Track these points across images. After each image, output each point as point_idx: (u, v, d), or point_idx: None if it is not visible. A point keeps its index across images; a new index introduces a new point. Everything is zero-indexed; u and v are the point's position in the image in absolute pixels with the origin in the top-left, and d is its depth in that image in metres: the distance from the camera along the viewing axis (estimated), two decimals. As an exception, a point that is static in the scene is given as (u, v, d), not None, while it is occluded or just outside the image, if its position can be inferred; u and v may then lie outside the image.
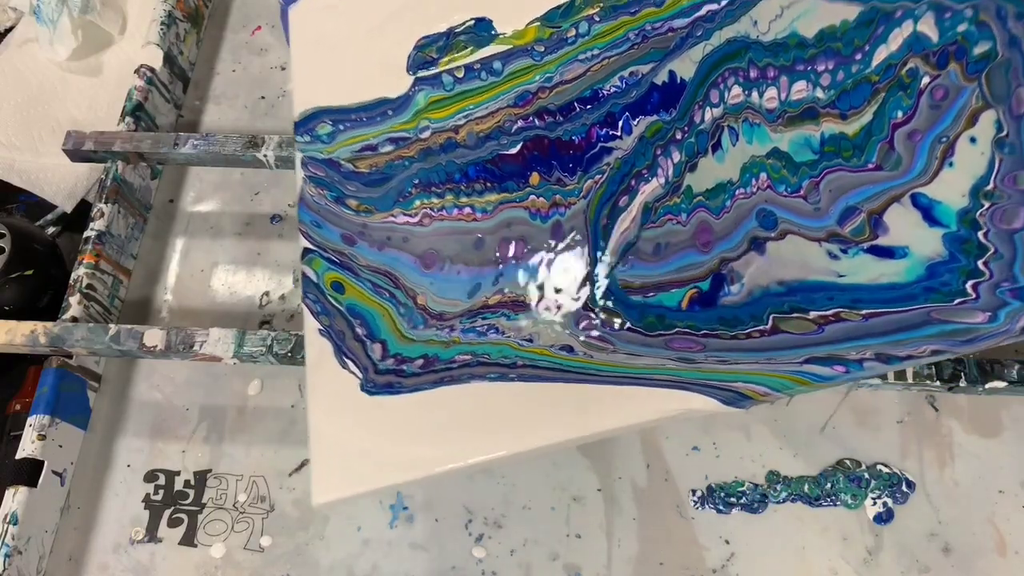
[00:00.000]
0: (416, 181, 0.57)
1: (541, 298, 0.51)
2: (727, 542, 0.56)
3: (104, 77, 0.77)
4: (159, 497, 0.59)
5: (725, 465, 0.58)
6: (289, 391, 0.62)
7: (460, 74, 0.59)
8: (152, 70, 0.70)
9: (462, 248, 0.54)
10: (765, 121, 0.50)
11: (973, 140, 0.44)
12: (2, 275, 0.62)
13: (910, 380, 0.54)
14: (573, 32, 0.58)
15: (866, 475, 0.57)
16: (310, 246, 0.55)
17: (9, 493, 0.55)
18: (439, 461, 0.48)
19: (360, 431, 0.50)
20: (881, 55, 0.48)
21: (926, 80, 0.47)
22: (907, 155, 0.46)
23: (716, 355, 0.46)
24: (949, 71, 0.47)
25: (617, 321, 0.49)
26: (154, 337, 0.57)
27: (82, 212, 0.71)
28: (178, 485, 0.60)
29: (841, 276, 0.45)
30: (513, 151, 0.55)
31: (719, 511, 0.57)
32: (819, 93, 0.49)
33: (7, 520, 0.54)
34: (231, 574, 0.57)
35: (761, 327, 0.46)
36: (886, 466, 0.58)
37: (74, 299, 0.60)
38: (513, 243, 0.53)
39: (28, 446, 0.57)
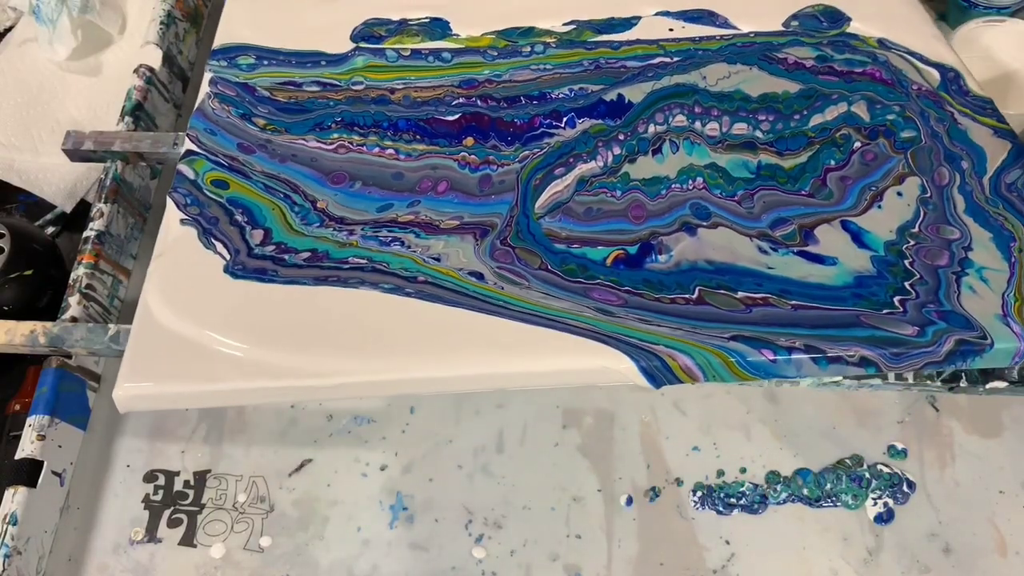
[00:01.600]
0: (339, 119, 0.56)
1: (458, 227, 0.49)
2: (727, 542, 0.56)
3: (104, 77, 0.77)
4: (159, 497, 0.59)
5: (725, 465, 0.58)
6: (289, 391, 0.62)
7: (406, 53, 0.59)
8: (151, 70, 0.69)
9: (378, 176, 0.52)
10: (706, 143, 0.53)
11: (900, 194, 0.50)
12: (1, 275, 0.62)
13: (911, 380, 0.54)
14: (528, 48, 0.60)
15: (867, 475, 0.57)
16: (195, 148, 0.54)
17: (9, 493, 0.55)
18: (295, 373, 0.43)
19: (207, 318, 0.45)
20: (817, 120, 0.54)
21: (858, 144, 0.52)
22: (838, 192, 0.50)
23: (637, 312, 0.45)
24: (879, 143, 0.52)
25: (536, 261, 0.48)
26: (154, 337, 0.57)
27: (81, 212, 0.71)
28: (178, 485, 0.60)
29: (770, 268, 0.47)
30: (450, 118, 0.55)
31: (719, 512, 0.57)
32: (758, 134, 0.53)
33: (7, 520, 0.54)
34: (231, 574, 0.56)
35: (687, 295, 0.46)
36: (886, 466, 0.58)
37: (73, 299, 0.60)
38: (436, 181, 0.51)
39: (28, 446, 0.56)
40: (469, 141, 0.54)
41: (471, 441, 0.60)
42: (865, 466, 0.58)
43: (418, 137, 0.54)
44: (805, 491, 0.57)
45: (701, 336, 0.44)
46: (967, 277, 0.46)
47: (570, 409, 0.61)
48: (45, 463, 0.57)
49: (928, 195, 0.50)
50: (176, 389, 0.44)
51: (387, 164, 0.53)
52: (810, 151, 0.52)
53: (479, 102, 0.56)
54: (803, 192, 0.50)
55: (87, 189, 0.71)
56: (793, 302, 0.45)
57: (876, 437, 0.59)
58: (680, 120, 0.54)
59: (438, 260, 0.48)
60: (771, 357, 0.43)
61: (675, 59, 0.58)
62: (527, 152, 0.53)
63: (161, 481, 0.60)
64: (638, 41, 0.60)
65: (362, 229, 0.49)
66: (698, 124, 0.54)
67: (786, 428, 0.59)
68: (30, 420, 0.58)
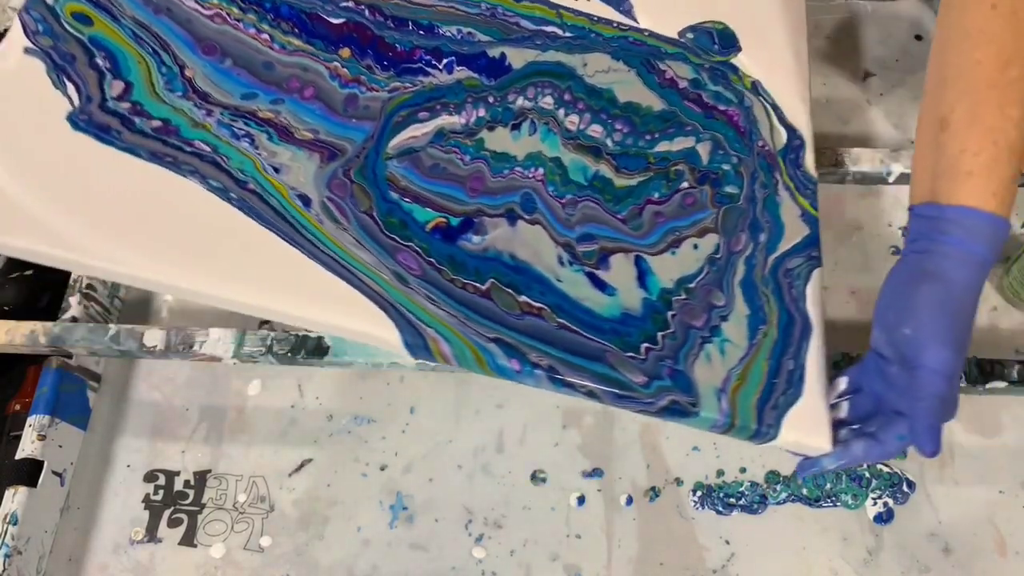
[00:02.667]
0: None
1: (311, 141, 0.49)
2: (727, 542, 0.56)
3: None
4: (159, 497, 0.59)
5: (725, 465, 0.58)
6: (289, 391, 0.62)
7: None
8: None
9: (249, 60, 0.51)
10: (560, 135, 0.54)
11: (696, 247, 0.52)
12: (2, 275, 0.62)
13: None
14: None
15: (867, 474, 0.57)
16: None
17: (9, 493, 0.55)
18: (89, 254, 0.43)
19: (28, 168, 0.44)
20: (664, 147, 0.55)
21: (685, 185, 0.54)
22: (648, 226, 0.52)
23: (428, 288, 0.47)
24: (703, 190, 0.54)
25: (365, 203, 0.49)
26: (154, 337, 0.57)
27: (82, 212, 0.71)
28: (178, 485, 0.60)
29: (559, 280, 0.49)
30: (334, 21, 0.54)
31: (719, 512, 0.57)
32: (609, 142, 0.54)
33: (7, 520, 0.54)
34: (231, 574, 0.57)
35: (479, 284, 0.48)
36: (886, 465, 0.58)
37: (74, 299, 0.60)
38: (304, 84, 0.51)
39: (28, 446, 0.56)
40: (345, 52, 0.53)
41: (471, 441, 0.60)
42: (865, 465, 0.58)
43: (296, 30, 0.53)
44: (804, 491, 0.57)
45: (468, 329, 0.46)
46: (710, 344, 0.49)
47: (570, 409, 0.61)
48: (45, 463, 0.57)
49: (719, 256, 0.52)
50: None
51: (260, 50, 0.52)
52: (643, 177, 0.54)
53: (367, 13, 0.55)
54: (619, 216, 0.52)
55: (87, 189, 0.71)
56: (561, 320, 0.48)
57: (876, 437, 0.59)
58: (548, 102, 0.55)
59: (277, 172, 0.48)
60: (517, 367, 0.46)
61: (567, 34, 0.58)
62: (399, 84, 0.52)
63: (161, 481, 0.60)
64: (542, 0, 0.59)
65: (221, 112, 0.49)
66: (562, 112, 0.54)
67: (786, 428, 0.59)
68: (30, 420, 0.58)
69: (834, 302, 0.64)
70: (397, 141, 0.51)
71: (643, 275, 0.51)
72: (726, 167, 0.55)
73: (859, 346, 0.61)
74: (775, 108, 0.58)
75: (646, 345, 0.48)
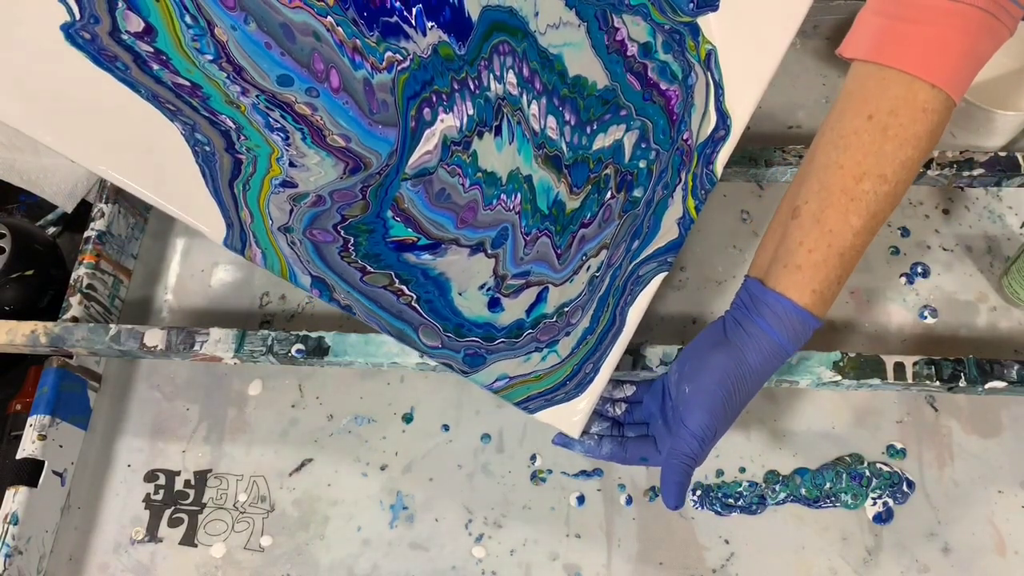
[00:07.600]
0: None
1: (342, 148, 0.47)
2: (727, 542, 0.56)
3: (104, 77, 0.77)
4: (159, 497, 0.59)
5: (724, 465, 0.58)
6: (289, 391, 0.63)
7: None
8: (152, 70, 0.69)
9: (268, 21, 0.46)
10: (532, 141, 0.51)
11: (587, 268, 0.52)
12: (3, 275, 0.62)
13: (910, 380, 0.54)
14: None
15: (867, 472, 0.57)
16: None
17: (9, 493, 0.55)
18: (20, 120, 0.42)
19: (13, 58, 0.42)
20: (599, 142, 0.52)
21: (609, 195, 0.52)
22: (570, 257, 0.52)
23: (308, 245, 0.47)
24: (618, 199, 0.52)
25: (356, 212, 0.48)
26: (154, 337, 0.57)
27: (82, 212, 0.71)
28: (178, 485, 0.60)
29: (460, 294, 0.50)
30: None
31: (718, 512, 0.57)
32: (563, 146, 0.52)
33: (8, 520, 0.54)
34: (231, 574, 0.57)
35: (391, 286, 0.49)
36: (886, 465, 0.58)
37: (74, 299, 0.60)
38: (327, 67, 0.47)
39: (28, 446, 0.57)
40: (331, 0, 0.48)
41: (471, 441, 0.60)
42: (865, 464, 0.58)
43: None
44: (803, 491, 0.57)
45: (300, 263, 0.47)
46: (537, 353, 0.51)
47: (570, 409, 0.61)
48: (46, 463, 0.57)
49: (598, 273, 0.52)
50: None
51: (276, 7, 0.46)
52: (584, 193, 0.52)
53: None
54: (558, 250, 0.52)
55: (88, 189, 0.71)
56: (417, 307, 0.49)
57: (875, 437, 0.59)
58: (512, 83, 0.51)
59: (293, 166, 0.47)
60: (316, 294, 0.47)
61: None
62: (391, 54, 0.48)
63: (162, 481, 0.60)
64: None
65: (259, 98, 0.46)
66: (525, 99, 0.51)
67: (785, 428, 0.59)
68: (31, 420, 0.58)
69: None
70: (415, 159, 0.49)
71: (536, 303, 0.51)
72: (642, 164, 0.53)
73: (857, 346, 0.62)
74: (718, 87, 0.53)
75: (479, 338, 0.50)
